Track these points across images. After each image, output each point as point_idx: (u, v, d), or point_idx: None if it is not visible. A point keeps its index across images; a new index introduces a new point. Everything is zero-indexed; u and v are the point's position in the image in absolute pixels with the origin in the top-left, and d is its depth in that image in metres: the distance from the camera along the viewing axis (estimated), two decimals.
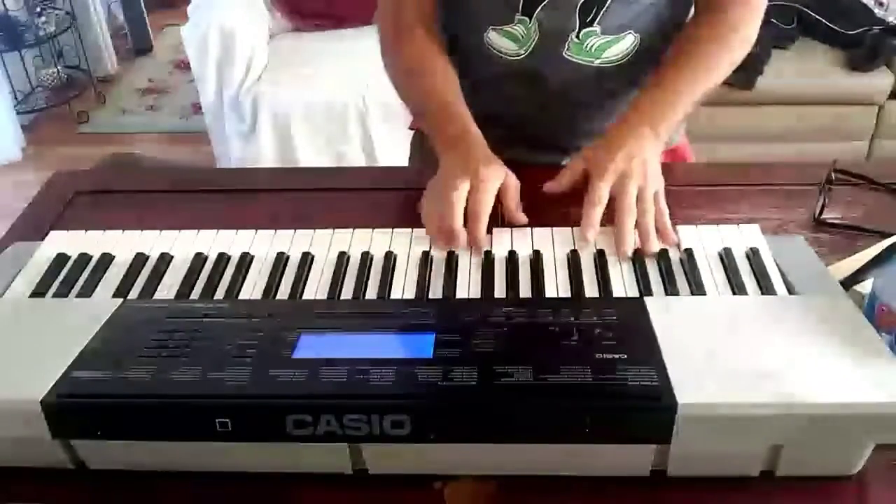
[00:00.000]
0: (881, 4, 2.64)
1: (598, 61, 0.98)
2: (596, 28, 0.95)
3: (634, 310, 0.67)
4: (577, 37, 0.96)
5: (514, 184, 0.84)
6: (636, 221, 0.79)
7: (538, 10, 0.94)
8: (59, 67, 3.26)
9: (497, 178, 0.82)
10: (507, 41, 0.98)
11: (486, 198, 0.79)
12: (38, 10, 3.19)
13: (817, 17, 2.62)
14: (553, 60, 0.98)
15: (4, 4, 3.09)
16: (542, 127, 1.06)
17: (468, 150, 0.86)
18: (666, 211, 0.81)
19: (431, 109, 0.95)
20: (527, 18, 0.95)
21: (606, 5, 0.93)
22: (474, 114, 0.95)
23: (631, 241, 0.77)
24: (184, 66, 3.50)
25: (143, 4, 3.76)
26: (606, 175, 0.81)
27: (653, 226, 0.79)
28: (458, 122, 0.90)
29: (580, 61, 0.98)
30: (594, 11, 0.94)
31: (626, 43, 0.98)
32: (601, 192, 0.80)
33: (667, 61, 0.96)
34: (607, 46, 0.97)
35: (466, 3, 1.00)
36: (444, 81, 0.96)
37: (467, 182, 0.80)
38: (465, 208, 0.78)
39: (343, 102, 2.45)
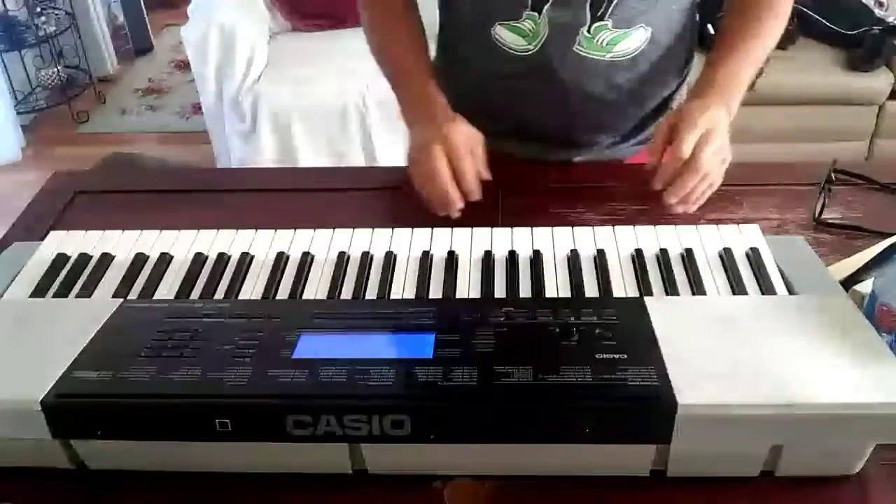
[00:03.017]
0: (881, 4, 2.63)
1: (609, 55, 0.97)
2: (607, 22, 0.94)
3: (634, 310, 0.67)
4: (588, 31, 0.95)
5: (478, 138, 0.90)
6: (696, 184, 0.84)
7: (547, 5, 0.94)
8: (59, 67, 3.26)
9: (465, 136, 0.88)
10: (516, 36, 0.97)
11: (464, 158, 0.86)
12: (38, 10, 3.19)
13: (817, 17, 2.62)
14: (563, 55, 0.97)
15: (4, 4, 3.09)
16: (552, 122, 1.05)
17: (433, 117, 0.91)
18: (719, 185, 0.87)
19: (393, 77, 1.01)
20: (536, 14, 0.94)
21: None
22: (480, 110, 0.96)
23: (681, 197, 0.84)
24: (184, 66, 3.50)
25: (143, 4, 3.76)
26: (695, 129, 0.84)
27: (707, 195, 0.86)
28: (419, 90, 0.96)
29: (591, 55, 0.97)
30: (605, 5, 0.93)
31: (638, 36, 0.97)
32: (688, 144, 0.83)
33: (724, 39, 0.97)
34: (619, 40, 0.96)
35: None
36: (406, 48, 1.01)
37: (441, 149, 0.86)
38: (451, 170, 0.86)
39: (343, 102, 2.44)
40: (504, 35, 0.98)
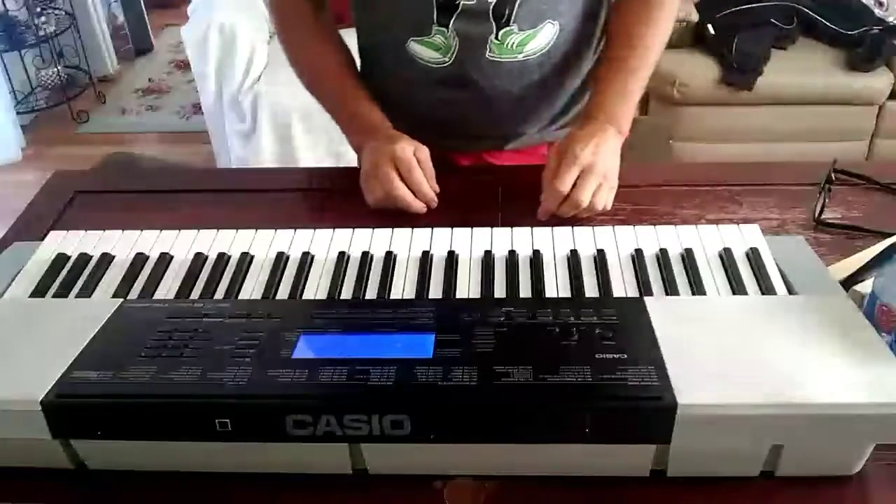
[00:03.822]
0: (881, 4, 2.63)
1: (521, 56, 0.99)
2: (513, 27, 0.96)
3: (634, 310, 0.67)
4: (497, 38, 0.97)
5: (423, 151, 0.95)
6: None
7: (453, 19, 0.95)
8: (59, 67, 3.26)
9: (410, 151, 0.93)
10: (429, 50, 0.99)
11: (415, 171, 0.93)
12: (38, 10, 3.19)
13: (817, 17, 2.61)
14: (477, 63, 0.99)
15: (4, 4, 3.09)
16: (476, 122, 1.08)
17: (377, 137, 0.97)
18: (606, 208, 0.91)
19: (331, 108, 1.06)
20: (444, 28, 0.96)
21: (517, 3, 0.94)
22: (405, 115, 1.00)
23: (550, 215, 0.90)
24: (184, 66, 3.50)
25: (143, 4, 3.76)
26: (576, 163, 0.89)
27: (582, 214, 0.90)
28: (358, 113, 1.02)
29: (503, 59, 0.99)
30: (507, 12, 0.95)
31: (546, 33, 0.99)
32: (566, 181, 0.89)
33: (611, 53, 1.01)
34: (528, 40, 0.98)
35: (382, 16, 1.02)
36: (335, 74, 1.05)
37: (392, 167, 0.92)
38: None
39: None
40: (418, 50, 1.00)
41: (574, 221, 0.88)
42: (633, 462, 0.62)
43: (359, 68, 1.10)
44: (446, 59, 0.99)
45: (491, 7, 0.94)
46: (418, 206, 0.93)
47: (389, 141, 0.94)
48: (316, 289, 0.75)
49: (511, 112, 1.06)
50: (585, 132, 0.93)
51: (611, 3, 1.05)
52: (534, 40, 0.98)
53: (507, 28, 0.96)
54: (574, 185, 0.89)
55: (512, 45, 0.98)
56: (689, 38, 2.54)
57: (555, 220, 0.85)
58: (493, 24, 0.95)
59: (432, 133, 1.00)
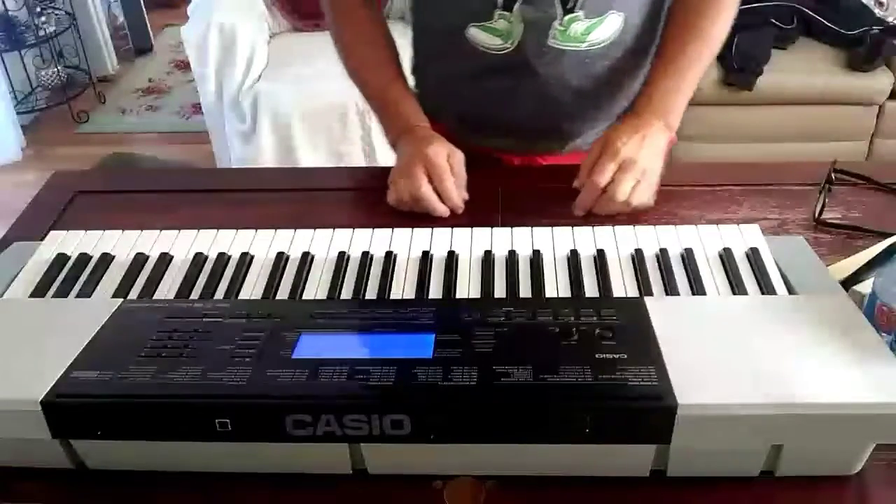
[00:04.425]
0: (881, 4, 2.63)
1: (584, 45, 0.98)
2: (579, 13, 0.95)
3: (634, 310, 0.67)
4: (561, 24, 0.95)
5: (458, 157, 0.95)
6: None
7: (518, 3, 0.94)
8: (59, 67, 3.26)
9: (446, 155, 0.93)
10: (491, 36, 0.98)
11: (445, 176, 0.92)
12: (38, 10, 3.19)
13: (817, 17, 2.61)
14: (539, 50, 0.97)
15: (4, 4, 3.08)
16: (533, 116, 1.06)
17: (414, 137, 0.97)
18: (645, 205, 0.91)
19: (371, 99, 1.05)
20: (508, 13, 0.95)
21: None
22: (456, 110, 0.98)
23: (587, 209, 0.90)
24: (184, 66, 3.50)
25: (143, 4, 3.76)
26: (616, 157, 0.89)
27: (620, 211, 0.89)
28: (398, 111, 1.01)
29: (567, 48, 0.97)
30: None
31: (611, 23, 0.97)
32: (605, 174, 0.88)
33: (666, 46, 0.99)
34: (593, 29, 0.97)
35: (444, 2, 1.00)
36: (383, 71, 1.04)
37: (423, 169, 0.91)
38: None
39: (343, 102, 2.44)
40: (478, 36, 0.98)
41: (574, 222, 0.88)
42: (633, 462, 0.62)
43: (411, 61, 1.09)
44: (507, 45, 0.97)
45: None
46: (442, 209, 0.92)
47: (425, 142, 0.94)
48: (316, 289, 0.75)
49: (568, 106, 1.04)
50: (631, 125, 0.91)
51: None
52: (598, 29, 0.96)
53: (573, 14, 0.94)
54: (612, 181, 0.88)
55: (576, 33, 0.96)
56: None
57: (555, 221, 0.84)
58: (559, 8, 0.94)
59: (484, 131, 1.00)
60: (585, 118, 1.07)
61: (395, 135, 1.01)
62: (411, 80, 1.12)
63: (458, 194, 0.92)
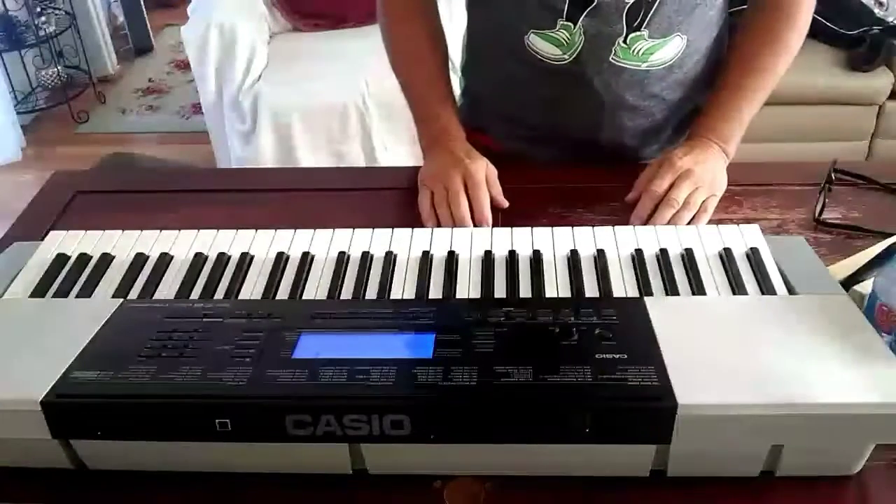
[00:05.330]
0: (881, 4, 2.63)
1: (645, 65, 0.97)
2: (643, 32, 0.93)
3: (634, 310, 0.67)
4: (625, 41, 0.94)
5: (493, 172, 0.95)
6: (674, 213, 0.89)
7: (583, 16, 0.93)
8: (59, 67, 3.26)
9: (482, 168, 0.93)
10: (550, 45, 0.96)
11: (481, 188, 0.92)
12: (38, 10, 3.19)
13: (817, 17, 2.60)
14: (599, 65, 0.96)
15: (4, 4, 3.09)
16: (581, 128, 1.04)
17: (452, 147, 0.97)
18: (707, 214, 0.90)
19: (414, 105, 1.04)
20: (570, 24, 0.93)
21: (653, 9, 0.92)
22: (508, 114, 0.98)
23: (644, 219, 0.89)
24: (184, 66, 3.50)
25: (143, 4, 3.76)
26: (673, 169, 0.90)
27: (684, 221, 0.88)
28: (439, 119, 1.00)
29: (627, 65, 0.96)
30: (641, 15, 0.92)
31: (674, 45, 0.96)
32: (664, 182, 0.89)
33: (731, 75, 0.98)
34: (655, 49, 0.96)
35: (505, 5, 0.99)
36: (428, 75, 1.02)
37: (460, 177, 0.92)
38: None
39: (343, 102, 2.44)
40: (538, 44, 0.97)
41: (574, 222, 0.88)
42: (633, 462, 0.62)
43: (462, 60, 1.08)
44: (566, 56, 0.96)
45: (626, 7, 0.91)
46: (468, 225, 0.90)
47: (466, 156, 0.94)
48: (316, 289, 0.75)
49: (617, 123, 1.02)
50: (687, 146, 0.92)
51: (739, 19, 1.01)
52: (661, 50, 0.96)
53: (638, 33, 0.93)
54: (670, 187, 0.88)
55: (638, 52, 0.95)
56: None
57: (555, 221, 0.84)
58: (625, 25, 0.93)
59: (528, 138, 0.99)
60: (633, 137, 1.05)
61: (430, 140, 1.01)
62: (459, 80, 1.11)
63: (489, 211, 0.91)
